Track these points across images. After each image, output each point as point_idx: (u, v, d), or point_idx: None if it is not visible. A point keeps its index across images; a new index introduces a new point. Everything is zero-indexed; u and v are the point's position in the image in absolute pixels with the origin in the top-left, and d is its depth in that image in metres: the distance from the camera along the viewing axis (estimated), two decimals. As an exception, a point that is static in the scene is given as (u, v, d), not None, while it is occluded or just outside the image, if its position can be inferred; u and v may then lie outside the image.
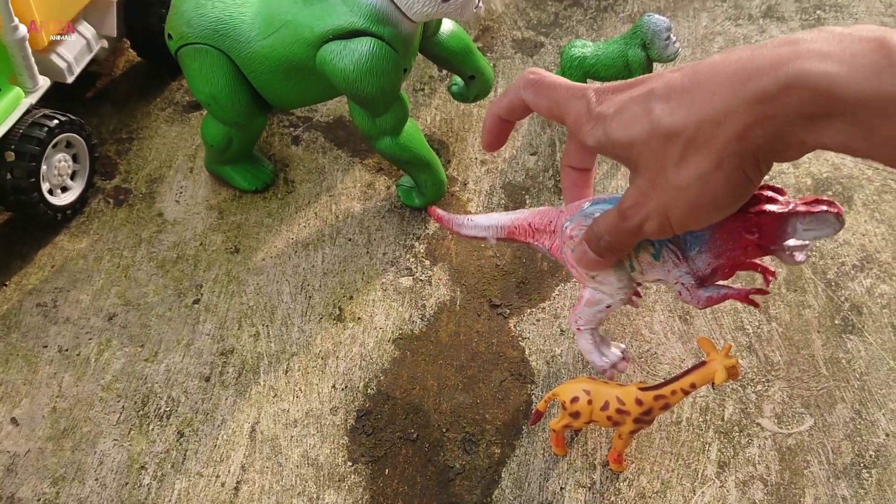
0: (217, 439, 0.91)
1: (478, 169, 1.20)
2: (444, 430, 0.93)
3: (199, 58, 1.02)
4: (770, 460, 0.90)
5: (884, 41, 0.36)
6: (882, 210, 1.14)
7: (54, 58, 1.09)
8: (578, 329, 0.56)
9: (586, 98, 0.46)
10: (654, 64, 1.17)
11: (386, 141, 1.05)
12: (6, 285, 1.05)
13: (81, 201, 1.12)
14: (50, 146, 1.04)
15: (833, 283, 1.05)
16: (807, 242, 0.48)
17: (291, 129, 1.25)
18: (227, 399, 0.94)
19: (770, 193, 0.47)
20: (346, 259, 1.08)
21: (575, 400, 0.83)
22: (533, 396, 0.95)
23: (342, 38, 0.96)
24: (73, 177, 1.11)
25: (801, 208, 0.46)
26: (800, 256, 0.49)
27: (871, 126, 0.36)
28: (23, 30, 0.99)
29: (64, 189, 1.10)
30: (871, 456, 0.90)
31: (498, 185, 1.17)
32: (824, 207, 0.45)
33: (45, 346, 0.99)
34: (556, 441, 0.89)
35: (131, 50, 1.32)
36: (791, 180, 1.17)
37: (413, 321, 1.02)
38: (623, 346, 0.57)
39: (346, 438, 0.92)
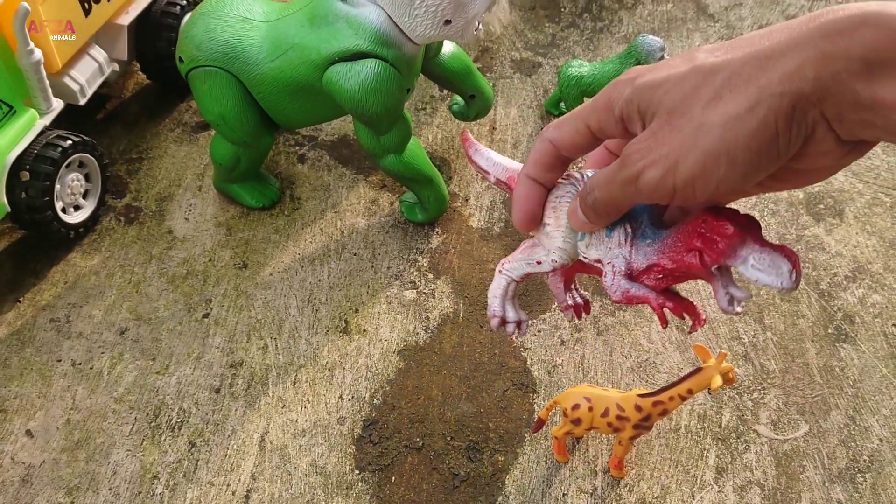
0: (227, 449, 0.94)
1: (479, 185, 1.23)
2: (448, 438, 0.95)
3: (208, 80, 1.05)
4: (767, 466, 0.92)
5: None
6: (873, 222, 1.17)
7: (67, 80, 1.13)
8: (500, 271, 0.49)
9: (617, 83, 0.41)
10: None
11: (390, 158, 1.09)
12: (20, 301, 1.08)
13: (93, 219, 1.15)
14: (63, 166, 1.07)
15: (826, 294, 1.08)
16: (747, 295, 0.42)
17: (297, 147, 1.28)
18: (236, 410, 0.97)
19: (744, 220, 0.41)
20: (351, 273, 1.11)
21: (576, 407, 0.85)
22: (535, 405, 0.98)
23: (348, 60, 0.99)
24: (85, 196, 1.14)
25: (761, 242, 0.41)
26: (737, 307, 0.42)
27: None
28: (38, 53, 1.03)
29: (76, 207, 1.13)
30: (865, 461, 0.92)
31: (499, 201, 1.20)
32: (785, 253, 0.40)
33: (59, 360, 1.02)
34: (557, 448, 0.92)
35: (140, 73, 1.36)
36: (783, 194, 1.21)
37: (417, 333, 1.05)
38: (528, 319, 0.49)
39: (353, 447, 0.94)
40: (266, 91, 1.05)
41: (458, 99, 1.25)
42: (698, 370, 0.80)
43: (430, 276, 1.11)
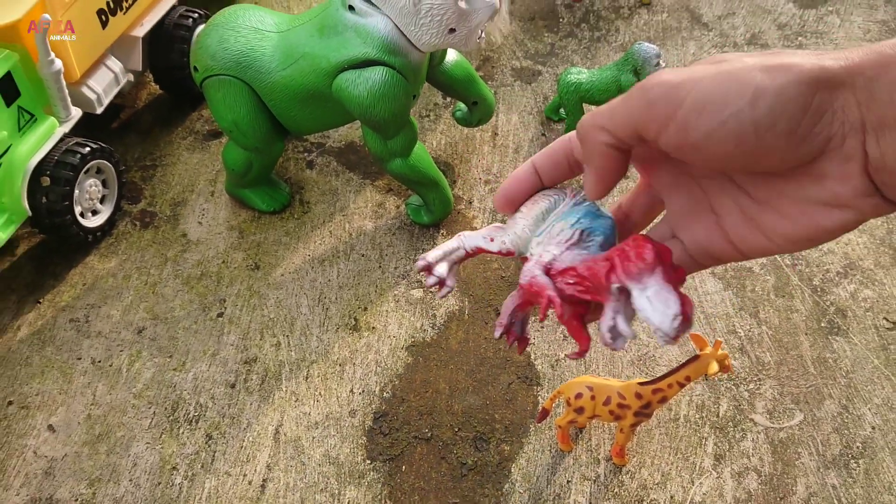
0: (243, 441, 0.97)
1: (482, 188, 1.27)
2: (456, 429, 0.98)
3: (222, 88, 1.10)
4: (763, 453, 0.96)
5: None
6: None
7: (85, 90, 1.17)
8: (458, 236, 0.46)
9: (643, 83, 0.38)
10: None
11: (397, 162, 1.13)
12: (41, 302, 1.11)
13: (110, 224, 1.19)
14: (83, 172, 1.11)
15: (819, 289, 1.12)
16: (631, 334, 0.38)
17: (306, 154, 1.32)
18: (251, 404, 1.00)
19: (668, 258, 0.38)
20: (359, 273, 1.15)
21: (579, 396, 0.89)
22: (539, 398, 1.01)
23: (356, 68, 1.04)
24: (102, 201, 1.18)
25: (671, 283, 0.37)
26: (616, 341, 0.38)
27: None
28: (58, 63, 1.07)
29: (94, 212, 1.17)
30: (858, 447, 0.96)
31: (501, 203, 1.24)
32: (682, 301, 0.36)
33: (79, 359, 1.05)
34: (561, 437, 0.95)
35: (153, 84, 1.41)
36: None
37: (424, 329, 1.08)
38: (453, 287, 0.45)
39: (364, 438, 0.97)
40: (278, 98, 1.09)
41: (462, 106, 1.30)
42: (695, 358, 0.84)
43: (436, 275, 1.15)
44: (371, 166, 1.30)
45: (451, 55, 1.21)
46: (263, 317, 1.10)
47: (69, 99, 1.12)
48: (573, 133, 0.41)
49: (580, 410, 0.89)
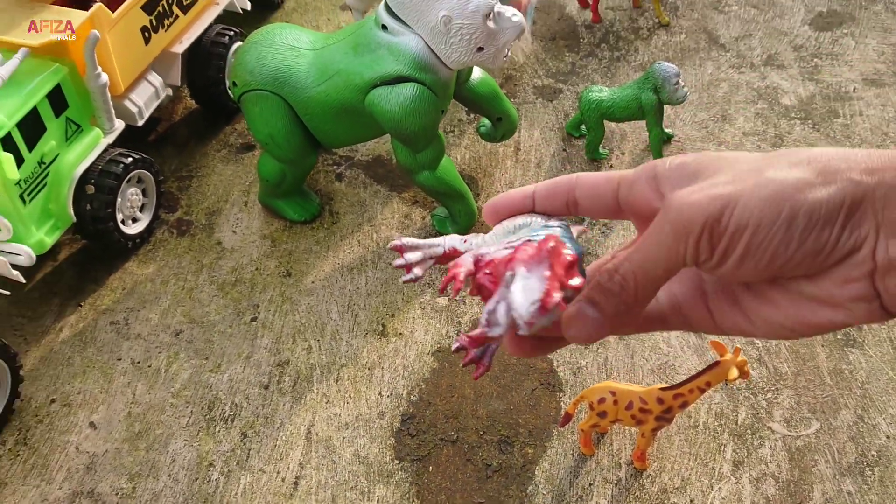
0: (277, 440, 1.01)
1: (505, 201, 1.31)
2: (481, 432, 1.02)
3: (260, 102, 1.15)
4: (781, 460, 0.98)
5: None
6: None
7: (127, 103, 1.23)
8: (443, 235, 0.45)
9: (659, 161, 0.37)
10: (665, 107, 1.29)
11: (425, 174, 1.17)
12: (82, 306, 1.16)
13: (149, 231, 1.24)
14: (125, 181, 1.16)
15: (834, 302, 1.15)
16: (500, 330, 0.35)
17: (335, 167, 1.37)
18: (284, 405, 1.04)
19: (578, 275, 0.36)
20: (387, 281, 1.19)
21: (602, 401, 0.92)
22: (562, 403, 1.04)
23: (389, 84, 1.08)
24: (141, 209, 1.23)
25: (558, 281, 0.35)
26: (493, 329, 0.35)
27: None
28: (104, 77, 1.13)
29: (134, 220, 1.22)
30: (873, 455, 0.98)
31: (524, 216, 1.28)
32: (547, 286, 0.34)
33: (119, 359, 1.10)
34: (584, 442, 0.98)
35: (188, 98, 1.46)
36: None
37: (450, 336, 1.12)
38: (421, 276, 0.41)
39: (392, 439, 1.01)
40: (312, 113, 1.14)
41: (486, 121, 1.34)
42: (716, 364, 0.87)
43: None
44: (398, 179, 1.35)
45: (477, 73, 1.26)
46: (295, 322, 1.14)
47: (113, 111, 1.18)
48: (580, 175, 0.39)
49: (603, 415, 0.92)
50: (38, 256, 1.09)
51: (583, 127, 1.38)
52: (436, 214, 1.27)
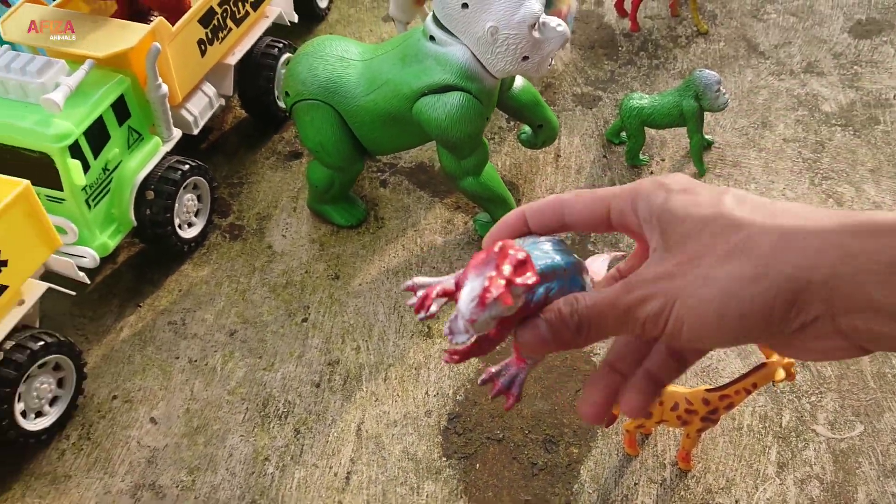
0: (328, 436, 1.04)
1: (547, 207, 1.33)
2: (526, 432, 1.04)
3: (311, 111, 1.19)
4: (825, 462, 0.99)
5: None
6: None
7: (184, 112, 1.28)
8: (459, 272, 0.40)
9: (642, 180, 0.39)
10: (705, 114, 1.31)
11: (469, 180, 1.20)
12: (141, 306, 1.21)
13: (203, 235, 1.29)
14: (182, 187, 1.21)
15: (878, 307, 1.15)
16: (463, 334, 0.36)
17: (380, 173, 1.41)
18: (335, 402, 1.08)
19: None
20: (432, 285, 1.22)
21: (647, 401, 0.94)
22: (605, 404, 1.06)
23: (436, 93, 1.12)
24: (196, 214, 1.28)
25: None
26: (455, 336, 0.36)
27: None
28: (165, 88, 1.18)
29: (189, 224, 1.27)
30: (919, 459, 0.99)
31: (565, 221, 1.31)
32: (488, 283, 0.35)
33: (177, 358, 1.14)
34: (628, 442, 1.00)
35: (238, 108, 1.51)
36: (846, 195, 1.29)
37: (494, 338, 1.15)
38: (431, 315, 0.40)
39: (440, 437, 1.04)
40: (361, 121, 1.18)
41: (526, 128, 1.37)
42: (762, 365, 0.88)
43: (505, 287, 1.22)
44: (440, 185, 1.38)
45: (519, 81, 1.29)
46: (344, 323, 1.18)
47: (171, 120, 1.23)
48: (564, 200, 0.41)
49: (648, 415, 0.94)
50: (100, 259, 1.14)
51: (623, 133, 1.40)
52: (478, 219, 1.30)
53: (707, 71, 1.25)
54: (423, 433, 1.04)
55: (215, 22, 1.28)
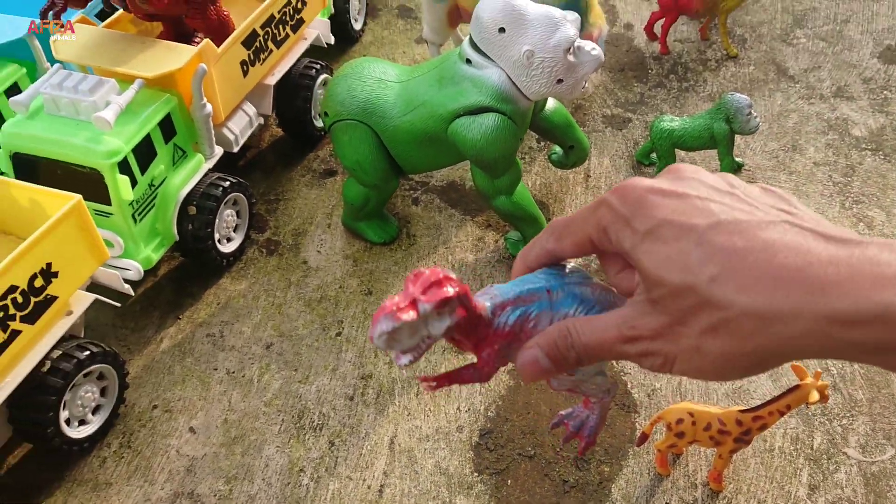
0: (362, 449, 1.06)
1: (577, 227, 1.35)
2: (557, 449, 1.05)
3: (349, 131, 1.22)
4: (856, 485, 0.99)
5: None
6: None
7: (225, 131, 1.32)
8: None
9: (606, 203, 0.38)
10: (735, 136, 1.33)
11: (502, 199, 1.23)
12: (180, 318, 1.24)
13: (241, 250, 1.32)
14: (223, 203, 1.25)
15: (910, 332, 1.15)
16: (408, 360, 0.38)
17: (412, 192, 1.44)
18: (368, 416, 1.10)
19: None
20: (464, 302, 1.24)
21: (680, 422, 0.95)
22: (636, 424, 1.07)
23: (471, 114, 1.15)
24: (235, 229, 1.31)
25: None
26: (399, 358, 0.38)
27: None
28: (209, 107, 1.22)
29: (228, 239, 1.30)
30: (954, 485, 0.98)
31: (595, 241, 1.32)
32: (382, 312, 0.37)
33: (216, 369, 1.17)
34: (660, 461, 1.01)
35: (275, 126, 1.55)
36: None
37: (526, 356, 1.16)
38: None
39: (471, 453, 1.05)
40: (398, 141, 1.21)
41: (557, 149, 1.39)
42: (796, 387, 0.89)
43: (536, 306, 1.23)
44: (471, 203, 1.40)
45: (551, 102, 1.31)
46: (377, 338, 1.20)
47: (214, 138, 1.27)
48: (549, 240, 0.42)
49: (681, 435, 0.95)
50: (143, 272, 1.17)
51: (653, 155, 1.41)
52: (509, 238, 1.32)
53: (739, 94, 1.27)
54: (455, 448, 1.06)
55: (257, 44, 1.32)
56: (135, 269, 1.15)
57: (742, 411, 0.92)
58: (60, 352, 1.02)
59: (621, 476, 1.02)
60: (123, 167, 1.10)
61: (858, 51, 1.65)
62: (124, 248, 1.14)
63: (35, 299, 0.97)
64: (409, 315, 0.37)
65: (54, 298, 1.00)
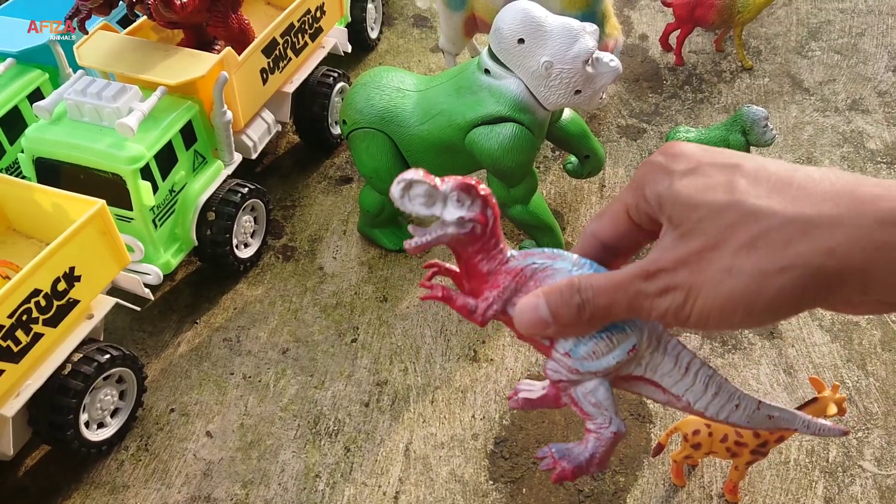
0: (377, 455, 1.07)
1: (592, 236, 1.36)
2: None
3: (366, 139, 1.23)
4: (871, 498, 0.99)
5: None
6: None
7: (244, 138, 1.33)
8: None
9: (645, 162, 0.38)
10: (752, 148, 1.33)
11: (518, 208, 1.23)
12: (197, 323, 1.25)
13: (258, 255, 1.33)
14: (241, 209, 1.26)
15: (926, 345, 1.15)
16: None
17: (427, 199, 1.44)
18: (383, 422, 1.10)
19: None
20: (479, 310, 1.25)
21: (696, 433, 0.95)
22: (652, 434, 1.07)
23: (489, 124, 1.16)
24: (252, 235, 1.33)
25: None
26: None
27: None
28: (229, 115, 1.23)
29: (245, 245, 1.32)
30: (971, 500, 0.98)
31: (610, 251, 1.33)
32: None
33: (232, 374, 1.18)
34: (675, 472, 1.01)
35: (292, 134, 1.57)
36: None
37: (539, 364, 1.17)
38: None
39: (486, 461, 1.06)
40: (415, 149, 1.22)
41: (573, 158, 1.40)
42: (814, 400, 0.89)
43: (551, 315, 1.24)
44: (487, 213, 1.41)
45: (567, 112, 1.32)
46: (392, 344, 1.20)
47: (233, 145, 1.28)
48: (590, 224, 0.41)
49: (697, 446, 0.95)
50: (163, 276, 1.18)
51: (668, 166, 1.42)
52: (524, 246, 1.32)
53: (755, 107, 1.27)
54: (470, 456, 1.06)
55: (277, 52, 1.33)
56: (154, 273, 1.16)
57: (758, 423, 0.92)
58: (81, 355, 1.03)
59: (636, 486, 1.02)
60: (145, 173, 1.11)
61: (873, 64, 1.65)
62: (144, 252, 1.15)
63: (58, 303, 0.99)
64: (432, 179, 0.39)
65: (76, 302, 1.01)
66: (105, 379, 1.05)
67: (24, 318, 0.94)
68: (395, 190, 0.38)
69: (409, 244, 0.40)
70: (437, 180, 0.39)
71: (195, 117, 1.19)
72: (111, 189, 1.11)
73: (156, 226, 1.16)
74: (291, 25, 1.35)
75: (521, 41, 1.10)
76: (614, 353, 0.39)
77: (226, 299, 1.28)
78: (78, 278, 1.01)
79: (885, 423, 1.06)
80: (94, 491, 1.06)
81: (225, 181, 1.27)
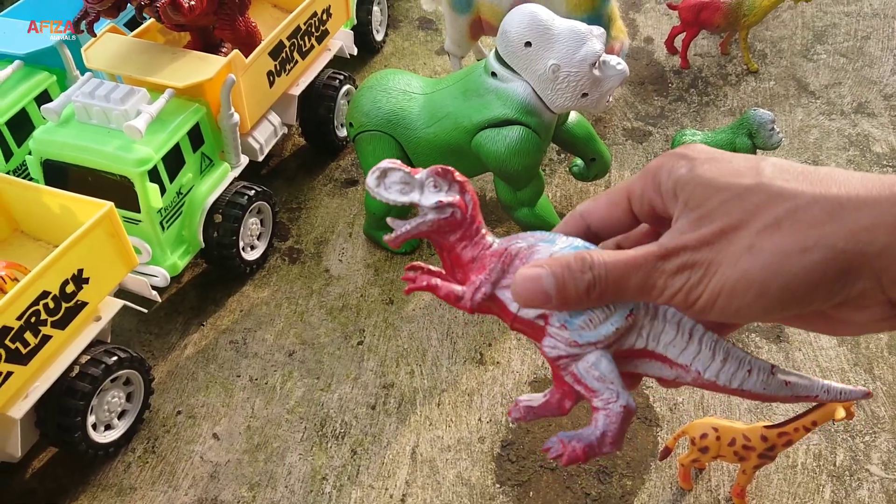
0: (384, 458, 1.07)
1: (598, 239, 1.36)
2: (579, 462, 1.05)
3: (373, 142, 1.23)
4: (879, 501, 0.99)
5: None
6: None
7: (251, 140, 1.33)
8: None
9: (662, 156, 0.37)
10: (758, 152, 1.33)
11: (524, 211, 1.23)
12: (204, 325, 1.25)
13: (264, 258, 1.33)
14: (248, 211, 1.26)
15: (933, 349, 1.15)
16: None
17: (433, 202, 1.44)
18: (390, 425, 1.10)
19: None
20: (485, 313, 1.25)
21: (704, 436, 0.95)
22: (659, 438, 1.07)
23: (496, 126, 1.16)
24: (258, 237, 1.33)
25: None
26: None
27: None
28: (236, 117, 1.24)
29: (252, 247, 1.32)
30: (979, 504, 0.98)
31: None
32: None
33: (238, 376, 1.18)
34: (683, 476, 1.01)
35: (297, 136, 1.57)
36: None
37: (545, 367, 1.17)
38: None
39: (493, 464, 1.06)
40: (421, 152, 1.22)
41: (578, 161, 1.40)
42: (822, 404, 0.89)
43: (557, 318, 1.24)
44: (491, 213, 1.41)
45: (573, 115, 1.32)
46: (398, 347, 1.21)
47: (240, 147, 1.28)
48: (584, 204, 0.40)
49: (705, 450, 0.95)
50: (170, 278, 1.18)
51: (673, 169, 1.42)
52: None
53: (761, 110, 1.27)
54: (477, 459, 1.06)
55: (284, 55, 1.34)
56: (162, 275, 1.16)
57: (767, 427, 0.92)
58: (89, 357, 1.03)
59: (643, 490, 1.02)
60: (153, 175, 1.11)
61: (879, 67, 1.65)
62: (152, 254, 1.15)
63: (66, 305, 0.99)
64: (406, 167, 0.38)
65: (85, 304, 1.02)
66: (112, 381, 1.05)
67: (33, 320, 0.95)
68: (371, 179, 0.38)
69: (388, 237, 0.39)
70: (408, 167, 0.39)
71: (202, 120, 1.20)
72: (119, 191, 1.11)
73: (163, 228, 1.16)
74: (298, 28, 1.36)
75: (528, 44, 1.10)
76: (612, 318, 0.38)
77: (232, 301, 1.29)
78: (86, 280, 1.01)
79: (893, 427, 1.06)
80: (101, 493, 1.06)
81: (231, 183, 1.27)
